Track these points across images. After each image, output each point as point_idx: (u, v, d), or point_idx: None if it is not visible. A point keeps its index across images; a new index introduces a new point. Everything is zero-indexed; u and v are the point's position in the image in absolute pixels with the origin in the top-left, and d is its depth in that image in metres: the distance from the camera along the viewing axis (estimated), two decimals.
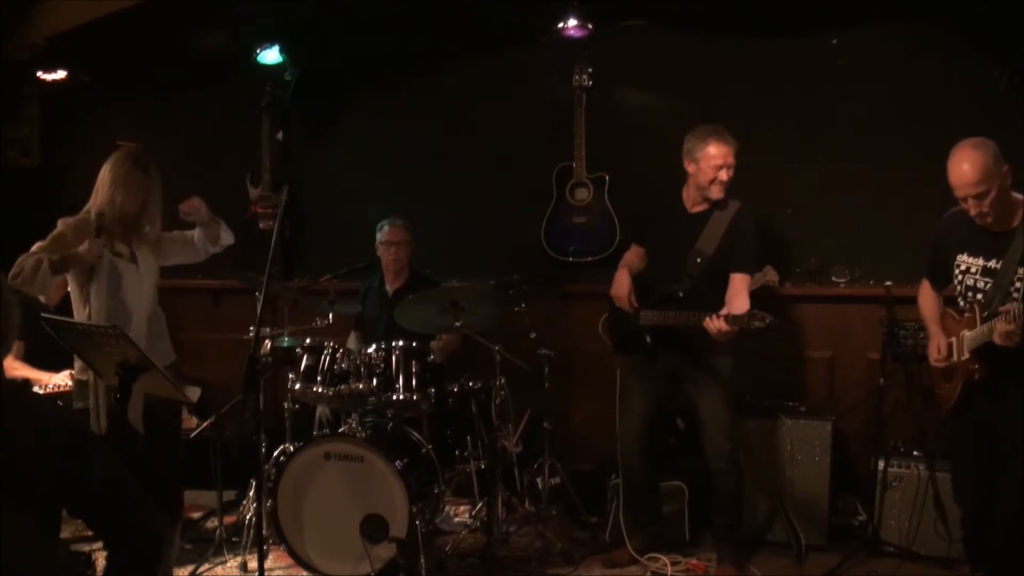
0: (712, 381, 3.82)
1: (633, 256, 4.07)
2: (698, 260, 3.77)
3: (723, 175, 3.70)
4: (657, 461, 4.15)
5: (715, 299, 3.69)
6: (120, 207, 3.24)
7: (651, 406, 4.00)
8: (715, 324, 3.53)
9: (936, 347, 3.27)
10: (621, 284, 3.92)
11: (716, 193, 3.74)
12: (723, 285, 3.74)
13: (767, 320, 3.45)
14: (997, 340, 2.95)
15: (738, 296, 3.70)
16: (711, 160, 3.70)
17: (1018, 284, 2.95)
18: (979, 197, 2.96)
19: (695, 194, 3.82)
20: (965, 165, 2.96)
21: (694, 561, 4.01)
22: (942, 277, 3.31)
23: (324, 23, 5.38)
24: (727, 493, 3.90)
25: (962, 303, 3.18)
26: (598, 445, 4.88)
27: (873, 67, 4.62)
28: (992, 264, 3.05)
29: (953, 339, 3.20)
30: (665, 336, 3.79)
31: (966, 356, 3.12)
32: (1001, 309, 2.97)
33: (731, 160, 3.70)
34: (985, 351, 3.04)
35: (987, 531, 3.24)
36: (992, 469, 3.20)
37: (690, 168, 3.78)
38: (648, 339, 3.82)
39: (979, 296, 3.09)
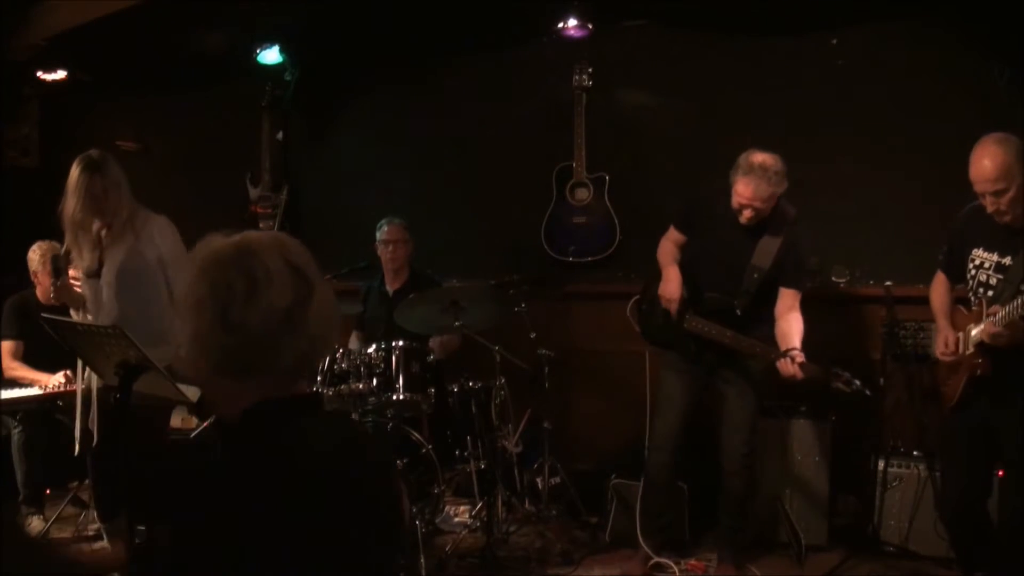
0: (745, 383, 3.78)
1: (673, 245, 3.89)
2: (755, 276, 3.67)
3: (747, 213, 3.58)
4: None
5: (766, 313, 3.68)
6: (72, 216, 3.28)
7: (692, 400, 3.86)
8: (790, 369, 3.42)
9: (944, 341, 3.23)
10: (674, 285, 3.76)
11: (743, 220, 3.64)
12: (773, 298, 3.69)
13: (853, 386, 3.36)
14: (986, 339, 2.97)
15: (791, 312, 3.65)
16: (735, 195, 3.58)
17: None
18: (997, 194, 2.92)
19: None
20: (986, 161, 2.92)
21: (693, 561, 4.00)
22: (957, 271, 3.27)
23: (324, 23, 5.38)
24: (736, 495, 3.86)
25: (973, 298, 3.16)
26: (598, 445, 4.89)
27: (873, 67, 4.61)
28: (1006, 261, 3.02)
29: (960, 333, 3.19)
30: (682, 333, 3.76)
31: (971, 350, 3.11)
32: (988, 311, 2.98)
33: (757, 204, 3.54)
34: (989, 346, 3.02)
35: (974, 533, 3.23)
36: (986, 472, 3.20)
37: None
38: (693, 348, 3.76)
39: (989, 292, 3.07)
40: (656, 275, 3.92)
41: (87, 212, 3.26)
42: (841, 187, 4.66)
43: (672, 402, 3.87)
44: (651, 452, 3.96)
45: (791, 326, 3.62)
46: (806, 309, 3.83)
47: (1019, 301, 2.87)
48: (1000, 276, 3.03)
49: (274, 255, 1.41)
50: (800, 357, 3.44)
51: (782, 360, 3.45)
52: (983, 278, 3.10)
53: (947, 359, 3.21)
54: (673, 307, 3.76)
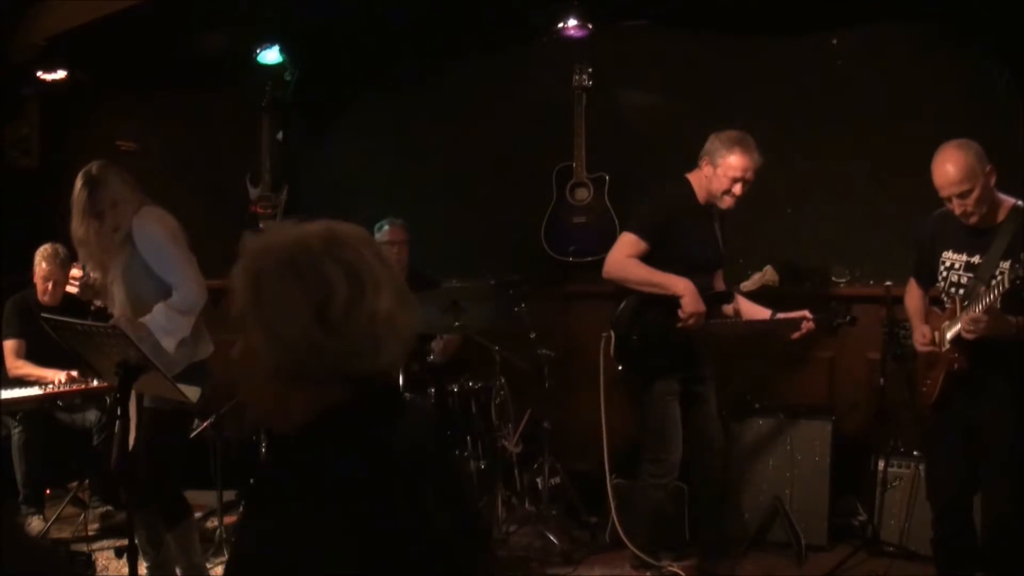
0: (714, 377, 3.81)
1: (637, 259, 3.63)
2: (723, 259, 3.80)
3: (738, 189, 3.56)
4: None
5: None
6: (75, 234, 3.28)
7: None
8: (807, 328, 3.61)
9: (921, 333, 3.32)
10: (699, 298, 3.56)
11: (726, 204, 3.61)
12: None
13: (847, 316, 3.69)
14: (967, 327, 3.01)
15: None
16: (730, 170, 3.54)
17: (999, 277, 3.00)
18: (963, 196, 3.03)
19: (704, 192, 3.68)
20: (948, 165, 3.03)
21: (691, 562, 4.00)
22: (928, 277, 3.36)
23: (324, 23, 5.38)
24: (721, 490, 3.89)
25: (945, 298, 3.25)
26: (598, 445, 4.89)
27: (873, 67, 4.62)
28: (975, 260, 3.12)
29: (936, 332, 3.26)
30: (688, 339, 3.66)
31: (947, 347, 3.18)
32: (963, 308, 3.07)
33: (750, 176, 3.56)
34: (964, 341, 3.09)
35: (959, 534, 3.27)
36: (970, 470, 3.23)
37: (706, 170, 3.62)
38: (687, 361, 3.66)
39: (961, 291, 3.16)
40: (631, 303, 3.69)
41: (86, 230, 3.26)
42: (841, 187, 4.67)
43: (679, 429, 3.69)
44: (658, 488, 3.75)
45: (739, 298, 3.83)
46: (807, 309, 3.84)
47: (996, 291, 2.94)
48: (971, 275, 3.13)
49: (369, 250, 1.28)
50: (804, 313, 3.66)
51: (806, 326, 3.62)
52: (954, 278, 3.19)
53: (925, 349, 3.29)
54: (701, 320, 3.56)
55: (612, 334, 3.71)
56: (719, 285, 3.86)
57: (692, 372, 3.76)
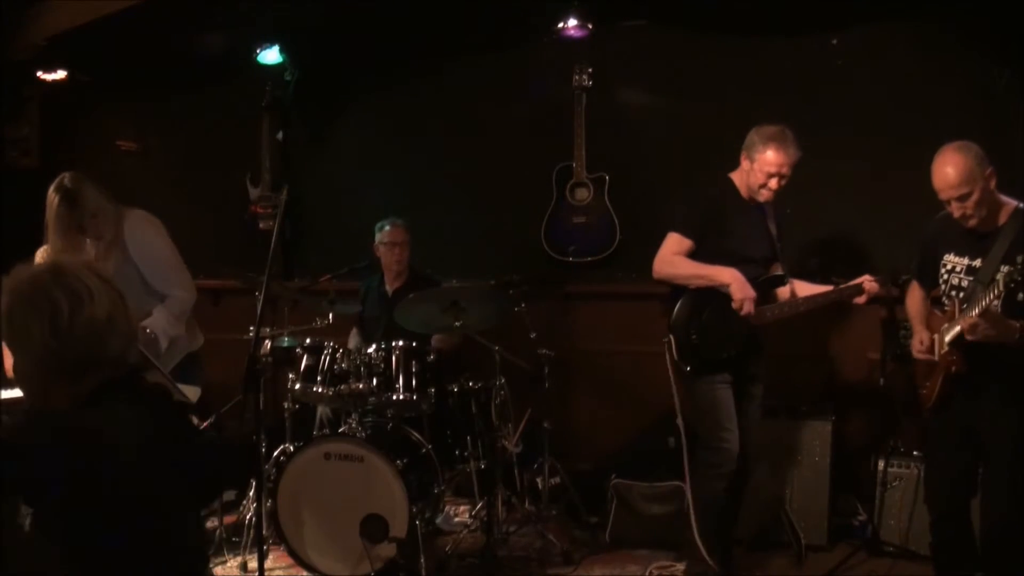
0: (765, 376, 3.79)
1: (684, 256, 3.65)
2: (778, 247, 3.78)
3: (773, 183, 3.59)
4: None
5: None
6: (52, 247, 3.22)
7: None
8: (874, 290, 3.63)
9: (919, 339, 3.32)
10: (749, 286, 3.55)
11: (764, 197, 3.64)
12: None
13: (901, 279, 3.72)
14: (966, 331, 3.03)
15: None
16: (766, 165, 3.57)
17: (996, 280, 2.99)
18: (962, 199, 3.03)
19: (745, 187, 3.71)
20: (948, 168, 3.03)
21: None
22: (930, 278, 3.37)
23: (324, 23, 5.38)
24: (742, 492, 3.86)
25: (946, 301, 3.26)
26: (598, 445, 4.89)
27: (873, 67, 4.61)
28: (976, 263, 3.13)
29: (935, 335, 3.26)
30: (748, 330, 3.64)
31: (945, 350, 3.18)
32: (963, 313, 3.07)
33: (786, 171, 3.58)
34: (962, 344, 3.10)
35: (958, 536, 3.28)
36: (969, 472, 3.23)
37: (744, 164, 3.66)
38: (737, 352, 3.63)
39: (961, 294, 3.16)
40: (684, 303, 3.65)
41: (68, 244, 3.22)
42: (841, 187, 4.67)
43: (733, 415, 3.64)
44: (720, 478, 3.63)
45: (794, 281, 3.80)
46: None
47: (992, 294, 2.95)
48: (971, 278, 3.14)
49: (87, 272, 1.70)
50: (864, 278, 3.69)
51: (869, 287, 3.65)
52: (955, 281, 3.20)
53: (921, 356, 3.30)
54: (752, 307, 3.55)
55: (672, 337, 3.66)
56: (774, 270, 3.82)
57: (747, 367, 3.72)
